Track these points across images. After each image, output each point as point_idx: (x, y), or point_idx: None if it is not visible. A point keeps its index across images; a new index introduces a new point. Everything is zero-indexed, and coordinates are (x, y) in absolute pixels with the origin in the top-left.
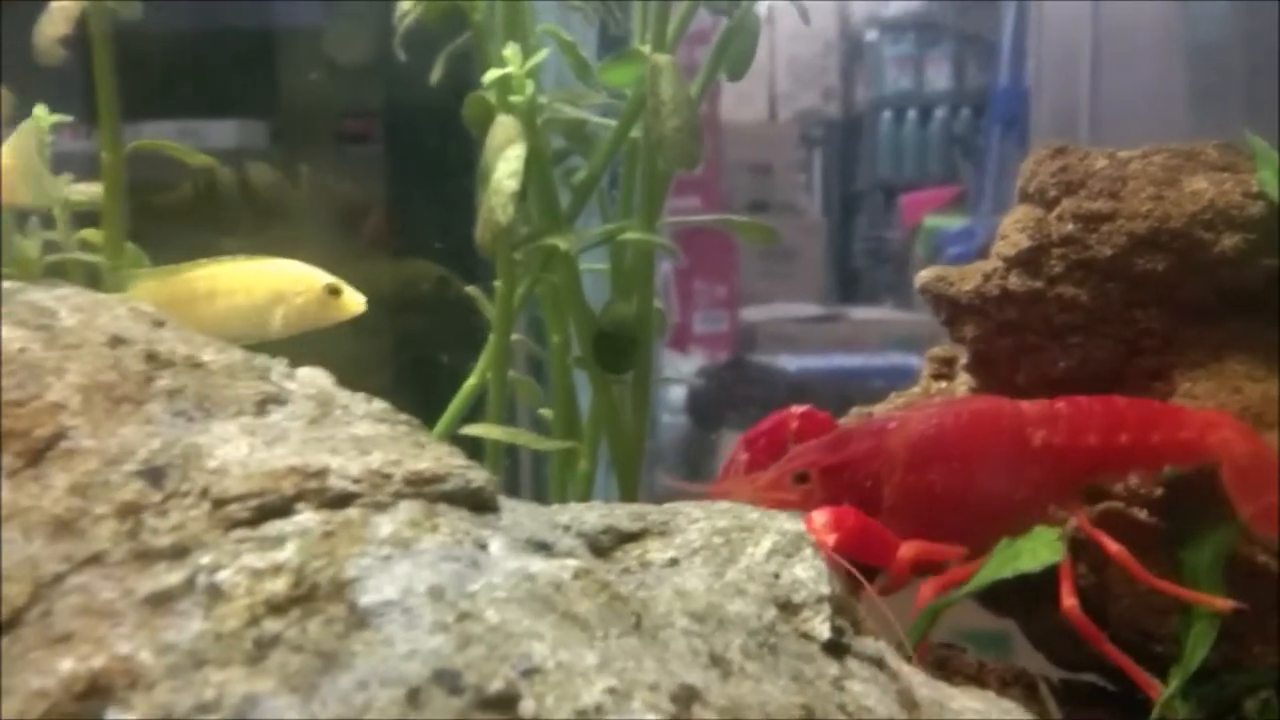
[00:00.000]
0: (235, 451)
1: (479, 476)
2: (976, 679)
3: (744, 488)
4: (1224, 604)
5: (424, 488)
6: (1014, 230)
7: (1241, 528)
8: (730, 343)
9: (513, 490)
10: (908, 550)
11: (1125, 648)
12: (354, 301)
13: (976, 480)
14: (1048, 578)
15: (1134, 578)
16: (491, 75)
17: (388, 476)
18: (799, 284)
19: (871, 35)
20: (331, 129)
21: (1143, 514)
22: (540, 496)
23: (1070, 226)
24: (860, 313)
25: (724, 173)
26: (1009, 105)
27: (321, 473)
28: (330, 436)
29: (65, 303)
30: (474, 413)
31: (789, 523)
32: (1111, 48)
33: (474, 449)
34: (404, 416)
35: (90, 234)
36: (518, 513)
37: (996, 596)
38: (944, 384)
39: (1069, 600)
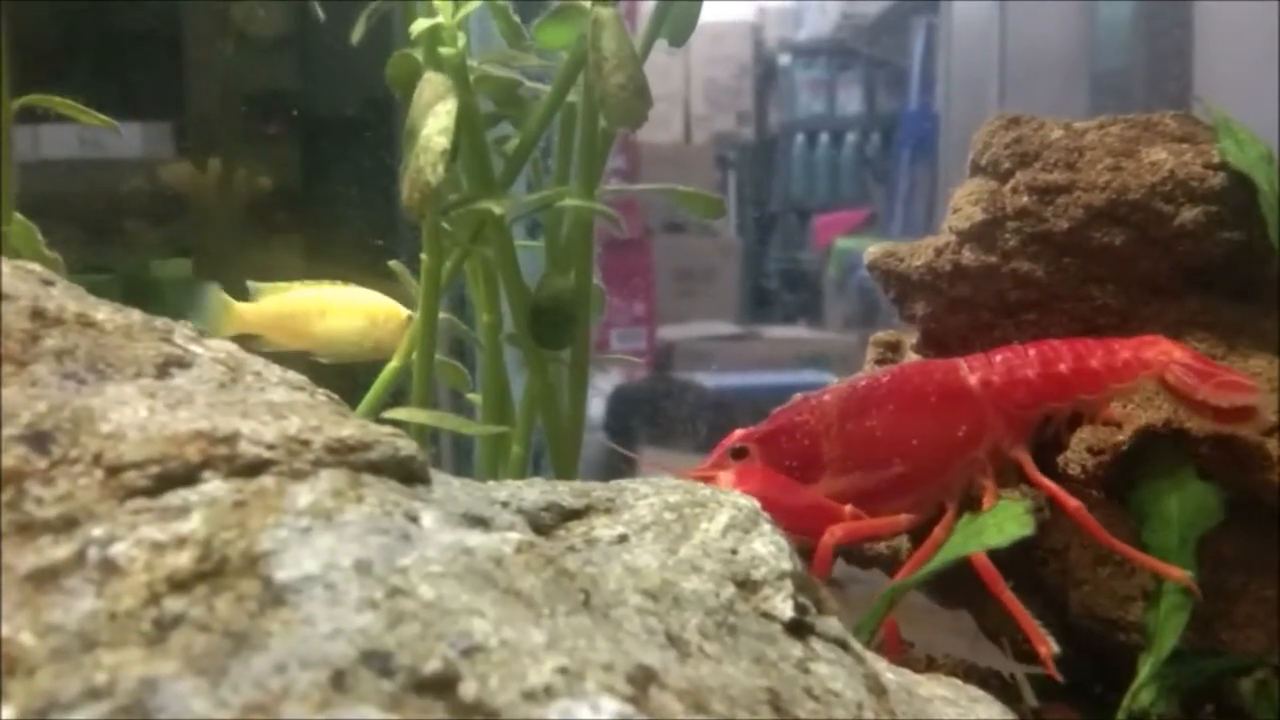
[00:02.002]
0: (133, 415)
1: (408, 445)
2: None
3: (685, 473)
4: (1179, 574)
5: (347, 456)
6: (967, 203)
7: (1210, 501)
8: (648, 360)
9: None
10: (831, 536)
11: (1087, 637)
12: None
13: (914, 422)
14: (1003, 563)
15: (1093, 537)
16: (419, 26)
17: (306, 443)
18: (715, 303)
19: (785, 60)
20: (242, 113)
21: (1099, 495)
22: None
23: (1025, 199)
24: (775, 331)
25: (640, 193)
26: (918, 129)
27: (231, 438)
28: (241, 401)
29: None
30: (395, 399)
31: (745, 498)
32: (1018, 73)
33: None
34: (324, 390)
35: None
36: (451, 487)
37: (948, 586)
38: None
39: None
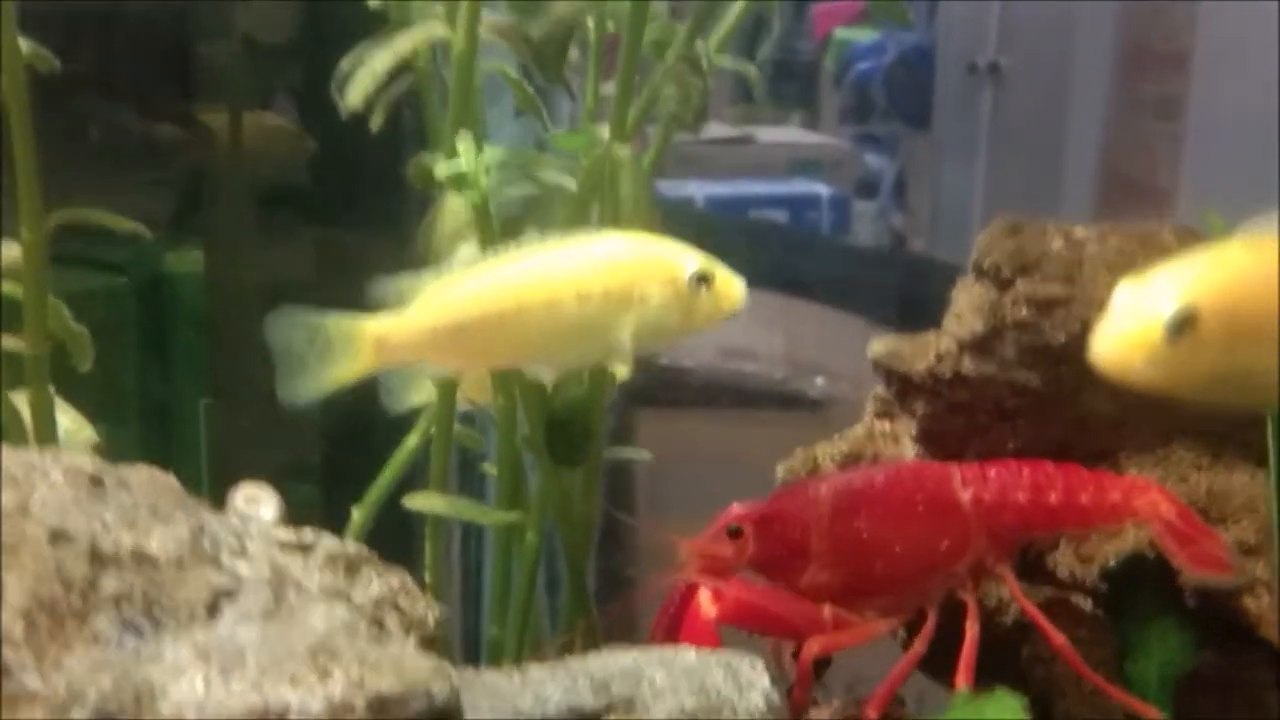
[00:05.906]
0: (190, 690)
1: (441, 690)
2: None
3: (683, 547)
4: (1154, 715)
5: (388, 712)
6: (968, 311)
7: (1188, 644)
8: None
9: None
10: (810, 649)
11: None
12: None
13: (902, 530)
14: (994, 660)
15: (1078, 674)
16: (443, 170)
17: (350, 707)
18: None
19: None
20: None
21: (1088, 604)
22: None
23: (1025, 311)
24: (768, 134)
25: None
26: None
27: (282, 713)
28: (289, 651)
29: None
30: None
31: (757, 696)
32: None
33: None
34: (359, 557)
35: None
36: (480, 710)
37: (940, 664)
38: (888, 424)
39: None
